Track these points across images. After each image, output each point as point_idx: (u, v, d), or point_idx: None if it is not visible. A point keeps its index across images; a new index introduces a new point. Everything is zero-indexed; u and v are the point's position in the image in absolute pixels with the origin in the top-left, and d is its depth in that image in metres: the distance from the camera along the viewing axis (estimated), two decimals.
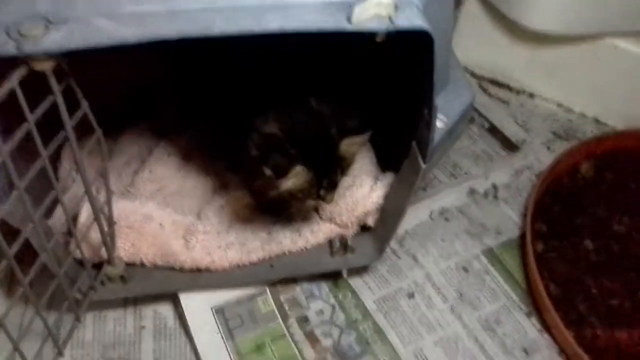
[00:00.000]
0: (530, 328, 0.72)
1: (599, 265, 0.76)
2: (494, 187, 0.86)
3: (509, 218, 0.83)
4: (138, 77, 0.83)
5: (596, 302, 0.73)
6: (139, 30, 0.44)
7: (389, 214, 0.69)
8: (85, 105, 0.54)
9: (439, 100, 0.60)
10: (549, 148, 0.91)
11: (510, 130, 0.94)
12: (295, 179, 0.60)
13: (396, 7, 0.47)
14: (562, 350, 0.70)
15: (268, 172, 0.59)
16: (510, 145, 0.92)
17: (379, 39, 0.48)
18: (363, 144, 0.66)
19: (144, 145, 0.81)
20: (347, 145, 0.62)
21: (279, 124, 0.62)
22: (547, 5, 0.85)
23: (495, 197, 0.85)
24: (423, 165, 0.59)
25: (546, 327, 0.72)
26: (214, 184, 0.78)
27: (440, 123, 0.59)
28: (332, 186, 0.64)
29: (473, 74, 1.02)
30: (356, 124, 0.62)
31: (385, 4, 0.46)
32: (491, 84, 1.01)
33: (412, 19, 0.47)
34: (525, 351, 0.70)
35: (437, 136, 0.58)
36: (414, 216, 0.82)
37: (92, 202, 0.59)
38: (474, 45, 0.99)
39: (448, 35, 0.58)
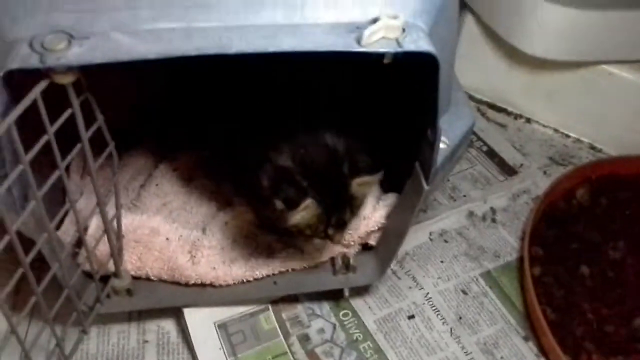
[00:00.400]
0: (528, 352, 0.73)
1: (595, 290, 0.78)
2: (492, 210, 0.88)
3: (506, 241, 0.84)
4: (144, 97, 0.85)
5: (592, 328, 0.74)
6: (156, 46, 0.46)
7: (391, 234, 0.70)
8: (101, 118, 0.56)
9: (442, 122, 0.62)
10: (545, 172, 0.93)
11: (508, 154, 0.96)
12: (304, 213, 0.60)
13: (403, 31, 0.49)
14: None
15: (279, 204, 0.59)
16: (508, 169, 0.94)
17: (386, 61, 0.50)
18: (374, 184, 0.65)
19: (150, 160, 0.83)
20: (359, 184, 0.62)
21: (292, 156, 0.62)
22: (545, 32, 0.88)
23: (494, 220, 0.87)
24: (426, 187, 0.61)
25: (543, 351, 0.72)
26: (218, 201, 0.80)
27: (442, 145, 0.61)
28: (341, 225, 0.63)
29: (472, 98, 1.05)
30: (368, 163, 0.62)
31: (394, 28, 0.49)
32: (489, 107, 1.04)
33: (418, 42, 0.49)
34: None
35: (439, 158, 0.60)
36: (414, 237, 0.83)
37: (103, 214, 0.60)
38: (472, 68, 1.02)
39: (452, 58, 0.60)
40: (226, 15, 0.48)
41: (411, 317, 0.75)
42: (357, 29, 0.48)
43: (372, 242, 0.74)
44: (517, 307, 0.77)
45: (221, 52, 0.46)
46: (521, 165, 0.94)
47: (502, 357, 0.72)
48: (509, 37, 0.92)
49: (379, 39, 0.48)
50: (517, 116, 1.03)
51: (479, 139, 0.98)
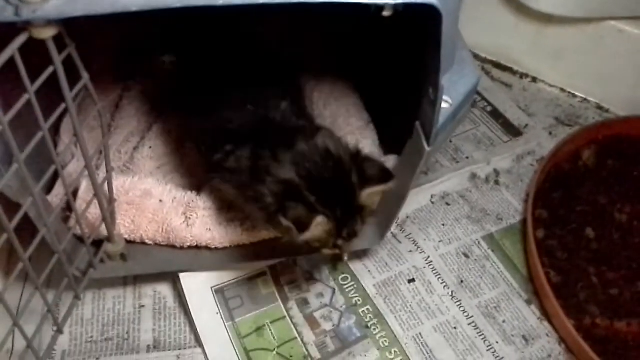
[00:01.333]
0: (531, 315, 0.72)
1: (599, 253, 0.76)
2: (496, 172, 0.85)
3: (509, 204, 0.82)
4: (130, 33, 0.83)
5: (596, 291, 0.73)
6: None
7: (391, 198, 0.68)
8: (86, 77, 0.53)
9: (445, 80, 0.59)
10: (551, 133, 0.91)
11: (513, 115, 0.93)
12: (315, 230, 0.56)
13: None
14: (561, 338, 0.70)
15: (286, 223, 0.55)
16: (512, 130, 0.91)
17: (386, 13, 0.47)
18: (385, 191, 0.61)
19: (143, 121, 0.81)
20: (369, 195, 0.58)
21: (296, 168, 0.58)
22: None
23: (497, 182, 0.84)
24: (427, 148, 0.59)
25: (546, 315, 0.71)
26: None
27: (445, 104, 0.58)
28: (352, 236, 0.60)
29: (476, 56, 1.02)
30: (377, 172, 0.59)
31: None
32: (494, 67, 1.01)
33: None
34: (525, 338, 0.70)
35: (441, 118, 0.57)
36: (415, 200, 0.81)
37: (92, 177, 0.58)
38: (477, 26, 0.98)
39: (456, 13, 0.57)
40: None
41: (411, 280, 0.74)
42: None
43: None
44: (519, 271, 0.75)
45: (209, 4, 0.43)
46: (526, 125, 0.91)
47: (504, 321, 0.71)
48: None
49: None
50: (522, 75, 0.99)
51: (483, 98, 0.95)
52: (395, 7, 0.46)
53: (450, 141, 0.89)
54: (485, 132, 0.91)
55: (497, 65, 1.01)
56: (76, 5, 0.42)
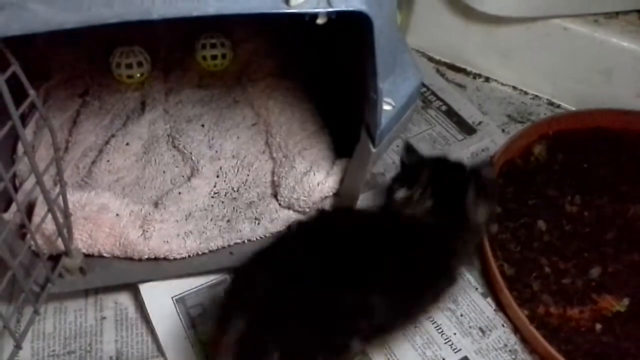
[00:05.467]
0: (486, 307, 0.74)
1: (551, 245, 0.78)
2: None
3: None
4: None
5: (549, 281, 0.75)
6: (77, 15, 0.44)
7: (345, 199, 0.70)
8: (32, 94, 0.54)
9: (388, 83, 0.61)
10: (504, 130, 0.93)
11: (467, 113, 0.95)
12: None
13: None
14: (516, 328, 0.72)
15: None
16: (466, 129, 0.93)
17: (320, 21, 0.49)
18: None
19: (102, 135, 0.82)
20: None
21: None
22: None
23: None
24: (373, 150, 0.61)
25: (501, 306, 0.73)
26: (174, 173, 0.79)
27: (388, 106, 0.60)
28: None
29: (431, 59, 1.04)
30: None
31: None
32: (449, 68, 1.03)
33: (350, 1, 0.48)
34: (482, 330, 0.72)
35: (385, 120, 0.59)
36: (374, 201, 0.83)
37: (44, 192, 0.59)
38: (431, 30, 1.01)
39: (391, 18, 0.59)
40: None
41: None
42: None
43: (327, 207, 0.74)
44: (475, 265, 0.77)
45: (143, 18, 0.44)
46: (479, 123, 0.94)
47: (461, 314, 0.73)
48: None
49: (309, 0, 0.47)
50: (476, 75, 1.02)
51: (438, 98, 0.98)
52: (328, 14, 0.48)
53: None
54: (441, 131, 0.93)
55: (451, 67, 1.03)
56: (12, 24, 0.43)
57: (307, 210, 0.72)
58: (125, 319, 0.71)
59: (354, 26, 0.52)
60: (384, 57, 0.56)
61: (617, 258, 0.77)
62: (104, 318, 0.71)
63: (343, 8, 0.47)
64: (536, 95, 0.99)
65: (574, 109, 0.97)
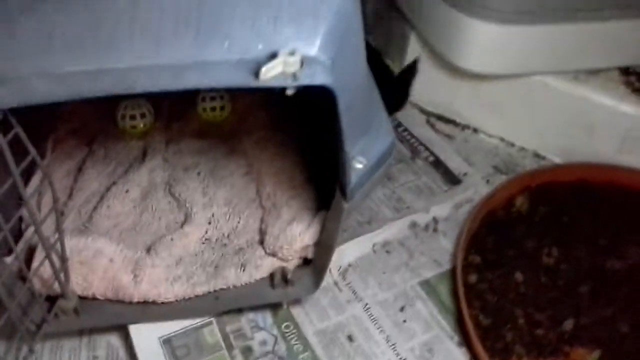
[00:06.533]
0: (461, 357, 0.76)
1: (527, 296, 0.81)
2: (435, 220, 0.91)
3: (446, 250, 0.88)
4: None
5: (522, 332, 0.77)
6: (70, 89, 0.50)
7: (323, 249, 0.74)
8: (33, 152, 0.59)
9: (362, 143, 0.66)
10: (488, 182, 0.97)
11: (453, 164, 0.99)
12: None
13: (302, 64, 0.53)
14: None
15: None
16: (452, 179, 0.97)
17: (289, 93, 0.54)
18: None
19: (104, 182, 0.87)
20: None
21: None
22: (476, 48, 0.91)
23: (435, 229, 0.90)
24: (345, 205, 0.65)
25: (474, 356, 0.76)
26: (169, 219, 0.84)
27: (359, 164, 0.65)
28: None
29: (422, 110, 1.09)
30: None
31: (291, 63, 0.52)
32: (439, 119, 1.08)
33: (315, 76, 0.52)
34: None
35: (356, 177, 0.64)
36: (358, 249, 0.87)
37: (42, 240, 0.64)
38: (422, 82, 1.06)
39: (364, 85, 0.64)
40: (135, 57, 0.52)
41: (350, 329, 0.78)
42: (258, 64, 0.52)
43: (310, 255, 0.78)
44: (452, 314, 0.80)
45: (127, 92, 0.50)
46: (465, 174, 0.98)
47: None
48: (446, 53, 0.96)
49: (276, 75, 0.52)
50: (464, 127, 1.06)
51: (427, 149, 1.02)
52: (296, 87, 0.53)
53: (394, 192, 0.95)
54: (427, 181, 0.97)
55: (441, 118, 1.08)
56: (13, 97, 0.49)
57: (290, 258, 0.76)
58: (116, 358, 0.75)
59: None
60: (354, 124, 0.61)
61: (590, 310, 0.80)
62: (96, 357, 0.75)
63: (308, 82, 0.52)
64: (522, 148, 1.03)
65: (559, 161, 1.00)
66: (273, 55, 0.52)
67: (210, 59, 0.52)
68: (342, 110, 0.56)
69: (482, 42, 0.90)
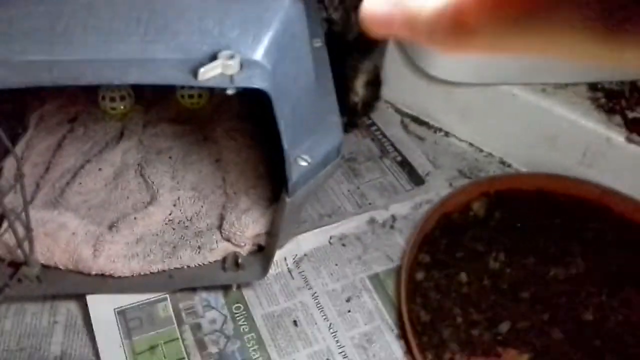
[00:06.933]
0: (398, 350, 0.81)
1: (469, 297, 0.85)
2: (393, 217, 0.95)
3: (400, 247, 0.91)
4: None
5: (459, 330, 0.81)
6: (24, 77, 0.55)
7: (271, 239, 0.78)
8: (10, 147, 0.65)
9: (308, 142, 0.70)
10: (451, 184, 1.00)
11: (419, 165, 1.03)
12: None
13: (241, 66, 0.57)
14: None
15: None
16: (416, 179, 1.01)
17: (229, 92, 0.58)
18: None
19: (80, 160, 0.92)
20: None
21: None
22: (446, 57, 0.94)
23: (392, 227, 0.94)
24: (287, 199, 0.69)
25: (409, 348, 0.80)
26: (136, 199, 0.89)
27: (304, 162, 0.69)
28: None
29: (398, 110, 1.12)
30: None
31: (230, 65, 0.56)
32: (413, 121, 1.11)
33: (251, 79, 0.56)
34: None
35: (298, 174, 0.68)
36: (315, 240, 0.91)
37: (5, 212, 0.70)
38: (398, 84, 1.09)
39: (310, 90, 0.67)
40: (86, 50, 0.56)
41: (296, 314, 0.83)
42: (200, 65, 0.56)
43: (263, 243, 0.82)
44: (396, 308, 0.85)
45: (73, 83, 0.54)
46: (428, 174, 1.01)
47: (373, 354, 0.80)
48: (417, 60, 0.99)
49: (214, 75, 0.56)
50: (436, 130, 1.09)
51: (396, 149, 1.05)
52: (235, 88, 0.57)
53: (358, 188, 0.99)
54: (392, 180, 1.01)
55: (415, 120, 1.11)
56: None
57: (242, 244, 0.81)
58: (74, 325, 0.81)
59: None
60: (298, 125, 0.65)
61: (527, 315, 0.83)
62: (55, 322, 0.81)
63: (245, 85, 0.56)
64: (490, 154, 1.06)
65: (524, 169, 1.03)
66: (214, 57, 0.56)
67: (154, 56, 0.57)
68: (280, 112, 0.60)
69: None
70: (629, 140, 0.91)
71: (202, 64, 0.56)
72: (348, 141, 1.06)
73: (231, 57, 0.56)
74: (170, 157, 0.93)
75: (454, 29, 0.23)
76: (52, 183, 0.89)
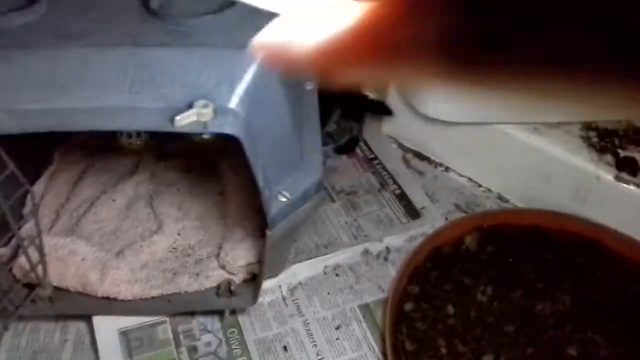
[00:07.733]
0: None
1: (455, 329, 0.87)
2: (387, 249, 0.99)
3: (392, 278, 0.95)
4: None
5: None
6: (23, 124, 0.63)
7: (260, 269, 0.84)
8: (12, 166, 0.73)
9: (288, 180, 0.75)
10: (446, 218, 1.03)
11: (417, 198, 1.06)
12: None
13: (216, 114, 0.63)
14: None
15: None
16: (412, 213, 1.04)
17: (205, 137, 0.65)
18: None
19: (97, 191, 1.01)
20: None
21: None
22: (438, 98, 0.99)
23: (386, 258, 0.98)
24: (268, 232, 0.75)
25: None
26: (145, 228, 0.96)
27: (283, 198, 0.74)
28: None
29: (401, 145, 1.16)
30: None
31: (204, 113, 0.63)
32: (415, 156, 1.15)
33: (222, 126, 0.63)
34: None
35: (277, 209, 0.74)
36: (310, 270, 0.96)
37: (19, 240, 0.78)
38: (400, 120, 1.14)
39: (288, 133, 0.73)
40: (80, 100, 0.64)
41: (287, 341, 0.87)
42: (179, 112, 0.63)
43: (256, 272, 0.88)
44: (383, 337, 0.88)
45: (66, 129, 0.62)
46: (423, 207, 1.05)
47: None
48: (412, 100, 1.03)
49: (190, 122, 0.62)
50: (437, 165, 1.13)
51: (395, 182, 1.09)
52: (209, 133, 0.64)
53: (355, 220, 1.04)
54: (388, 213, 1.05)
55: (417, 155, 1.15)
56: None
57: (235, 272, 0.87)
58: (82, 343, 0.88)
59: None
60: (276, 164, 0.71)
61: (511, 349, 0.85)
62: (66, 340, 0.88)
63: (216, 131, 0.63)
64: (488, 189, 1.09)
65: (521, 204, 1.06)
66: (190, 106, 0.63)
67: (139, 105, 0.64)
68: (253, 154, 0.66)
69: (443, 93, 0.97)
70: (618, 178, 0.92)
71: (180, 112, 0.63)
72: (350, 175, 1.11)
73: (206, 105, 0.63)
74: (178, 190, 1.00)
75: (326, 65, 0.27)
76: (70, 212, 0.98)
